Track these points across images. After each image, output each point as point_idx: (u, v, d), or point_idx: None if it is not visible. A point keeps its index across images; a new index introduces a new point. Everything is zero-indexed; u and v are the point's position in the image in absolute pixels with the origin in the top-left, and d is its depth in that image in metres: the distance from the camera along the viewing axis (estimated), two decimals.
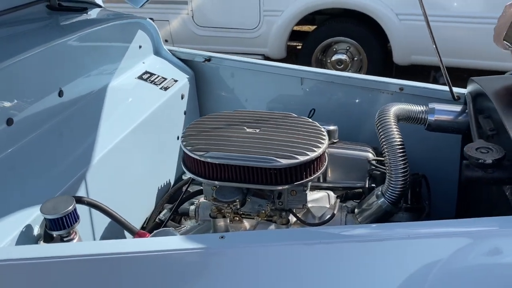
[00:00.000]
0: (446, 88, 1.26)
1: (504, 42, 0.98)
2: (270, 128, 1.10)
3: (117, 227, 1.04)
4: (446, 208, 1.28)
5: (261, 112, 1.17)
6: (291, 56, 4.62)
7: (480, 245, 0.76)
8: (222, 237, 0.73)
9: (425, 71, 3.92)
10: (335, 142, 1.32)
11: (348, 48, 3.86)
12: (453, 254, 0.72)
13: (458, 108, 1.15)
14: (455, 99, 1.24)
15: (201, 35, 4.02)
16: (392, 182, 1.02)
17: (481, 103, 1.06)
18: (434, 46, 1.22)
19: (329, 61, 3.96)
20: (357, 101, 1.45)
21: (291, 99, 1.57)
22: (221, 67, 1.65)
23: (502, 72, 1.24)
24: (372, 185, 1.19)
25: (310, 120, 1.15)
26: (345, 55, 3.89)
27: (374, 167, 1.22)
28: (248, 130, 1.09)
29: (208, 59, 1.65)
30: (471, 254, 0.74)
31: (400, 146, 1.01)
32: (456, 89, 1.27)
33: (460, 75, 4.08)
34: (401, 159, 1.00)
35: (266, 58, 4.08)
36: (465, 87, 1.23)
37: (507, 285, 0.70)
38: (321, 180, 1.29)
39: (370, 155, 1.27)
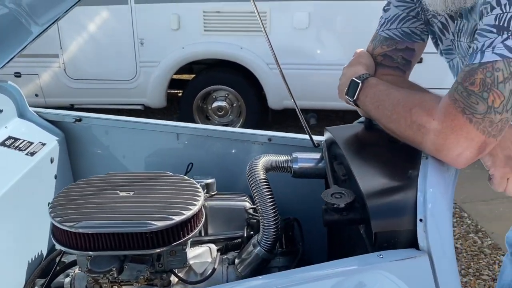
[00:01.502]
0: (308, 137, 1.38)
1: (346, 97, 1.13)
2: (144, 189, 1.10)
3: None
4: (320, 248, 1.38)
5: (135, 174, 1.17)
6: (173, 103, 4.66)
7: (345, 284, 0.85)
8: None
9: (296, 115, 4.24)
10: (213, 195, 1.36)
11: (227, 95, 4.03)
12: None
13: (318, 155, 1.27)
14: (315, 147, 1.37)
15: (75, 87, 3.88)
16: (266, 231, 1.08)
17: (335, 151, 1.19)
18: (290, 94, 1.34)
19: (209, 108, 4.08)
20: (232, 152, 1.52)
21: (169, 154, 1.59)
22: (93, 126, 1.62)
23: None
24: (251, 233, 1.24)
25: (186, 177, 1.17)
26: (224, 102, 4.04)
27: (251, 216, 1.28)
28: (121, 194, 1.07)
29: (79, 119, 1.60)
30: None
31: (270, 196, 1.08)
32: (316, 137, 1.40)
33: (328, 115, 4.49)
34: (271, 208, 1.07)
35: (146, 107, 4.07)
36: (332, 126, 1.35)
37: None
38: (203, 234, 1.31)
39: (247, 204, 1.33)
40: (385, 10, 1.20)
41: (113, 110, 4.65)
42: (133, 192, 1.08)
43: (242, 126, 4.03)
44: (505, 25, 0.84)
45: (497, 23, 0.85)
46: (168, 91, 4.02)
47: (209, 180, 1.35)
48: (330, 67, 3.56)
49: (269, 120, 4.18)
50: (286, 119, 4.43)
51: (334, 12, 3.59)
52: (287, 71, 4.05)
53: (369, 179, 0.96)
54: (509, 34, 0.84)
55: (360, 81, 1.09)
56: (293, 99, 1.37)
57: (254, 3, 1.33)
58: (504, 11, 0.85)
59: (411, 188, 0.90)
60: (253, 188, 1.09)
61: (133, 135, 1.60)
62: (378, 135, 1.11)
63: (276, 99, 3.81)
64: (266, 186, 1.09)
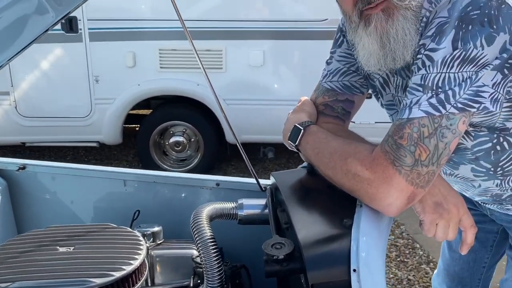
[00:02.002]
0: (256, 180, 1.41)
1: (288, 141, 1.17)
2: (85, 244, 1.08)
3: None
4: None
5: (76, 227, 1.15)
6: (130, 138, 4.61)
7: None
8: None
9: (255, 147, 4.29)
10: (159, 243, 1.35)
11: (184, 130, 4.03)
12: None
13: (264, 201, 1.29)
14: (263, 190, 1.40)
15: (27, 126, 3.79)
16: (210, 281, 1.08)
17: (278, 197, 1.22)
18: (227, 124, 1.36)
19: (167, 143, 4.06)
20: (180, 197, 1.52)
21: (117, 200, 1.57)
22: (39, 174, 1.59)
23: None
24: (198, 281, 1.24)
25: (129, 229, 1.17)
26: (182, 137, 4.04)
27: (198, 264, 1.27)
28: (61, 249, 1.05)
29: (23, 167, 1.57)
30: None
31: (213, 245, 1.09)
32: (264, 181, 1.43)
33: (285, 149, 4.56)
34: (214, 257, 1.08)
35: (102, 144, 4.01)
36: (297, 160, 1.38)
37: None
38: (149, 284, 1.29)
39: (194, 252, 1.33)
40: (327, 63, 1.26)
41: (67, 147, 4.56)
42: (73, 247, 1.06)
43: (200, 161, 4.03)
44: (430, 84, 0.91)
45: (422, 82, 0.91)
46: (126, 126, 3.99)
47: (156, 229, 1.34)
48: (286, 102, 3.63)
49: (227, 154, 4.20)
50: (245, 151, 4.46)
51: (288, 50, 3.71)
52: (245, 107, 4.14)
53: (307, 228, 0.99)
54: (433, 93, 0.90)
55: (302, 128, 1.13)
56: (234, 135, 1.41)
57: (191, 41, 1.37)
58: (429, 72, 0.91)
59: (346, 237, 0.93)
60: (197, 238, 1.10)
61: (81, 181, 1.57)
62: (319, 181, 1.14)
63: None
64: (209, 237, 1.10)
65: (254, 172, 1.39)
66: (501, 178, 1.11)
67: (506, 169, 1.09)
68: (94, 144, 3.94)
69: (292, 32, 3.60)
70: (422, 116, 0.90)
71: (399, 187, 0.90)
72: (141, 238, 1.12)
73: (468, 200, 1.32)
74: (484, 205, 1.29)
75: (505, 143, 1.04)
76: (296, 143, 1.14)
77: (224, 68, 3.69)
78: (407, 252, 2.97)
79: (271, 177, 1.36)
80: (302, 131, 1.13)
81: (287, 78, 3.78)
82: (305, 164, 1.28)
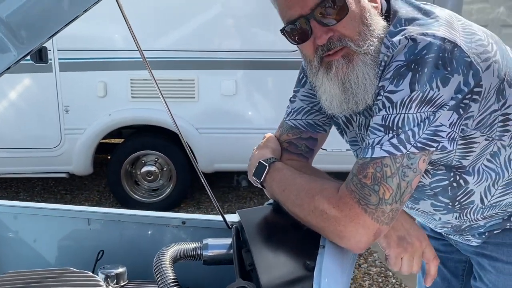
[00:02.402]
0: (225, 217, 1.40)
1: (253, 178, 1.17)
2: None
3: None
4: None
5: (35, 273, 1.11)
6: (102, 167, 4.55)
7: None
8: None
9: (228, 176, 4.28)
10: (123, 285, 1.31)
11: (156, 159, 4.00)
12: None
13: (230, 241, 1.27)
14: (229, 228, 1.38)
15: None
16: None
17: (244, 236, 1.21)
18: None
19: (139, 173, 4.02)
20: (146, 236, 1.49)
21: (81, 239, 1.53)
22: (0, 213, 1.54)
23: None
24: None
25: (89, 274, 1.13)
26: (154, 167, 4.00)
27: None
28: None
29: None
30: None
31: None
32: (232, 218, 1.42)
33: None
34: None
35: (72, 175, 3.94)
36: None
37: None
38: None
39: None
40: (291, 101, 1.27)
41: (36, 177, 4.45)
42: None
43: (173, 191, 3.99)
44: (390, 125, 0.93)
45: (383, 123, 0.94)
46: (97, 155, 3.94)
47: (120, 270, 1.30)
48: (259, 130, 3.63)
49: (200, 184, 4.17)
50: (217, 181, 4.44)
51: (260, 80, 3.76)
52: (218, 135, 4.14)
53: (270, 271, 0.98)
54: (394, 133, 0.92)
55: (267, 164, 1.14)
56: (201, 175, 1.39)
57: (150, 70, 1.37)
58: (389, 112, 0.94)
59: (308, 280, 0.93)
60: (159, 282, 1.07)
61: (44, 220, 1.53)
62: (284, 219, 1.14)
63: (206, 163, 3.83)
64: (172, 280, 1.07)
65: (220, 209, 1.38)
66: (459, 211, 1.15)
67: (463, 203, 1.12)
68: (64, 175, 3.86)
69: (264, 62, 3.66)
70: (384, 156, 0.92)
71: (366, 225, 0.92)
72: (101, 283, 1.09)
73: (435, 231, 1.35)
74: (448, 236, 1.32)
75: (461, 180, 1.08)
76: (261, 180, 1.14)
77: (196, 97, 3.71)
78: (380, 280, 2.98)
79: (237, 215, 1.35)
80: (267, 167, 1.13)
81: (259, 106, 3.81)
82: (271, 201, 1.28)
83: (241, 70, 3.73)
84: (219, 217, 1.46)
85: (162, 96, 1.41)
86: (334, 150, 3.07)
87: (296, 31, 1.02)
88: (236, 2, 3.69)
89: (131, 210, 1.53)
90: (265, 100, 3.82)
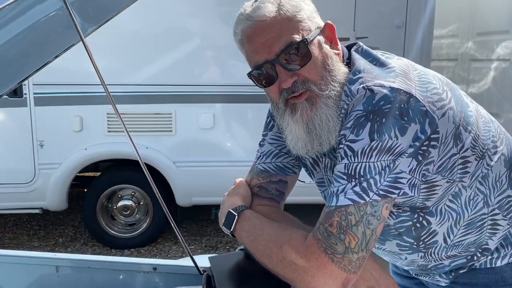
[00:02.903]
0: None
1: (223, 226, 1.16)
2: None
3: None
4: None
5: None
6: (78, 201, 4.46)
7: None
8: None
9: (206, 209, 4.24)
10: None
11: (133, 193, 3.94)
12: None
13: None
14: (201, 274, 1.36)
15: None
16: None
17: (215, 284, 1.19)
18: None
19: (115, 207, 3.95)
20: (117, 282, 1.46)
21: (50, 287, 1.49)
22: None
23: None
24: None
25: None
26: (130, 201, 3.94)
27: None
28: None
29: None
30: None
31: None
32: (204, 264, 1.40)
33: None
34: None
35: (45, 211, 3.85)
36: None
37: None
38: None
39: None
40: (260, 145, 1.29)
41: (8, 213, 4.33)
42: None
43: (149, 225, 3.92)
44: (353, 173, 0.95)
45: (346, 171, 0.96)
46: (73, 189, 3.87)
47: None
48: (237, 163, 3.67)
49: (178, 218, 4.12)
50: (196, 214, 4.40)
51: (238, 113, 3.79)
52: (195, 169, 4.11)
53: None
54: (357, 182, 0.94)
55: (236, 214, 1.14)
56: (168, 214, 1.37)
57: (114, 105, 1.36)
58: (351, 161, 0.95)
59: None
60: None
61: (11, 268, 1.49)
62: (255, 267, 1.13)
63: (184, 196, 3.80)
64: None
65: (192, 256, 1.36)
66: (424, 251, 1.16)
67: (428, 242, 1.14)
68: (37, 211, 3.76)
69: (242, 95, 3.69)
70: (349, 204, 0.94)
71: (333, 274, 0.92)
72: None
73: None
74: (417, 276, 1.33)
75: (424, 221, 1.10)
76: (231, 230, 1.14)
77: (174, 130, 3.70)
78: None
79: (209, 262, 1.33)
80: (236, 217, 1.13)
81: (237, 139, 3.83)
82: (242, 246, 1.27)
83: (219, 104, 3.75)
84: (191, 262, 1.44)
85: (125, 127, 1.40)
86: (312, 182, 3.07)
87: (263, 75, 1.05)
88: (214, 36, 3.74)
89: (101, 256, 1.50)
90: (243, 132, 3.84)
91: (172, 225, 1.41)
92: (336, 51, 1.07)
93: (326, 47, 1.06)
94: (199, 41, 3.73)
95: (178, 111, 3.67)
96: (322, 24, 1.08)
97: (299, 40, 1.01)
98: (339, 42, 1.09)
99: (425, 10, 3.66)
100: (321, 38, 1.06)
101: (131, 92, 3.57)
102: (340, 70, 1.04)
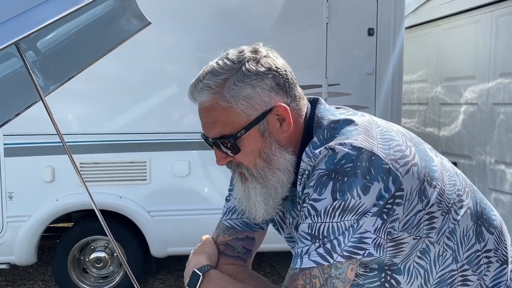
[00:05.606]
0: None
1: (187, 287, 1.12)
2: None
3: None
4: None
5: None
6: (50, 252, 4.29)
7: None
8: None
9: (184, 259, 4.12)
10: None
11: (106, 245, 3.82)
12: None
13: None
14: None
15: None
16: None
17: None
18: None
19: (87, 259, 3.81)
20: None
21: None
22: None
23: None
24: None
25: None
26: (104, 253, 3.81)
27: None
28: None
29: None
30: None
31: None
32: None
33: None
34: None
35: (13, 265, 3.68)
36: None
37: None
38: None
39: None
40: (227, 200, 1.26)
41: None
42: None
43: (123, 278, 3.78)
44: (316, 233, 0.93)
45: (310, 231, 0.94)
46: (43, 240, 3.72)
47: None
48: (213, 211, 3.61)
49: (153, 269, 3.99)
50: (172, 264, 4.27)
51: (213, 160, 3.73)
52: (170, 218, 4.02)
53: None
54: (320, 243, 0.92)
55: (201, 273, 1.10)
56: (125, 266, 1.32)
57: (70, 155, 1.34)
58: (314, 221, 0.94)
59: None
60: None
61: None
62: None
63: (159, 247, 3.69)
64: None
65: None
66: None
67: None
68: (4, 266, 3.59)
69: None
70: (312, 267, 0.91)
71: None
72: None
73: None
74: None
75: (392, 280, 1.07)
76: None
77: (148, 179, 3.65)
78: None
79: None
80: (201, 277, 1.09)
81: (213, 187, 3.78)
82: None
83: (195, 151, 3.73)
84: None
85: (81, 178, 1.37)
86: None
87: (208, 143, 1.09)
88: (190, 83, 3.76)
89: None
90: (219, 179, 3.80)
91: (133, 282, 1.34)
92: (284, 134, 1.04)
93: (269, 134, 1.03)
94: (176, 88, 3.74)
95: (152, 159, 3.63)
96: (273, 104, 1.02)
97: (229, 135, 1.01)
98: (292, 122, 1.04)
99: (394, 58, 3.77)
100: (263, 125, 1.02)
101: (105, 141, 3.53)
102: (281, 158, 1.04)
